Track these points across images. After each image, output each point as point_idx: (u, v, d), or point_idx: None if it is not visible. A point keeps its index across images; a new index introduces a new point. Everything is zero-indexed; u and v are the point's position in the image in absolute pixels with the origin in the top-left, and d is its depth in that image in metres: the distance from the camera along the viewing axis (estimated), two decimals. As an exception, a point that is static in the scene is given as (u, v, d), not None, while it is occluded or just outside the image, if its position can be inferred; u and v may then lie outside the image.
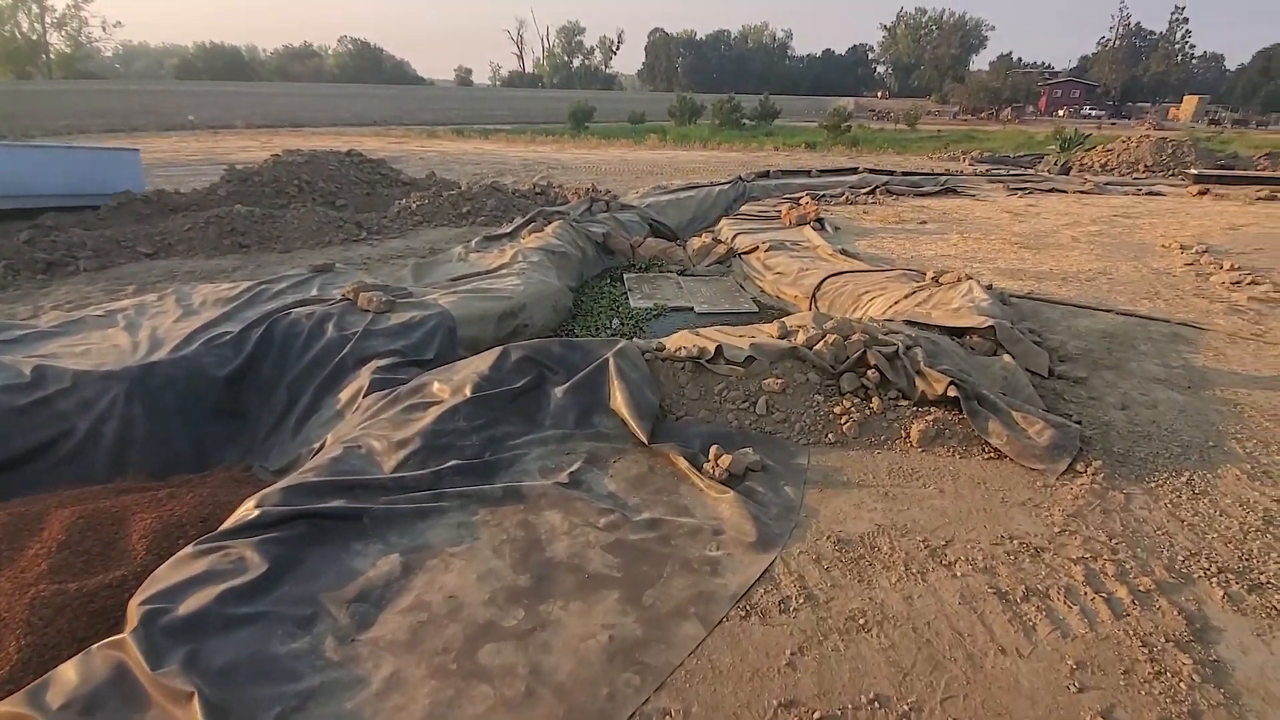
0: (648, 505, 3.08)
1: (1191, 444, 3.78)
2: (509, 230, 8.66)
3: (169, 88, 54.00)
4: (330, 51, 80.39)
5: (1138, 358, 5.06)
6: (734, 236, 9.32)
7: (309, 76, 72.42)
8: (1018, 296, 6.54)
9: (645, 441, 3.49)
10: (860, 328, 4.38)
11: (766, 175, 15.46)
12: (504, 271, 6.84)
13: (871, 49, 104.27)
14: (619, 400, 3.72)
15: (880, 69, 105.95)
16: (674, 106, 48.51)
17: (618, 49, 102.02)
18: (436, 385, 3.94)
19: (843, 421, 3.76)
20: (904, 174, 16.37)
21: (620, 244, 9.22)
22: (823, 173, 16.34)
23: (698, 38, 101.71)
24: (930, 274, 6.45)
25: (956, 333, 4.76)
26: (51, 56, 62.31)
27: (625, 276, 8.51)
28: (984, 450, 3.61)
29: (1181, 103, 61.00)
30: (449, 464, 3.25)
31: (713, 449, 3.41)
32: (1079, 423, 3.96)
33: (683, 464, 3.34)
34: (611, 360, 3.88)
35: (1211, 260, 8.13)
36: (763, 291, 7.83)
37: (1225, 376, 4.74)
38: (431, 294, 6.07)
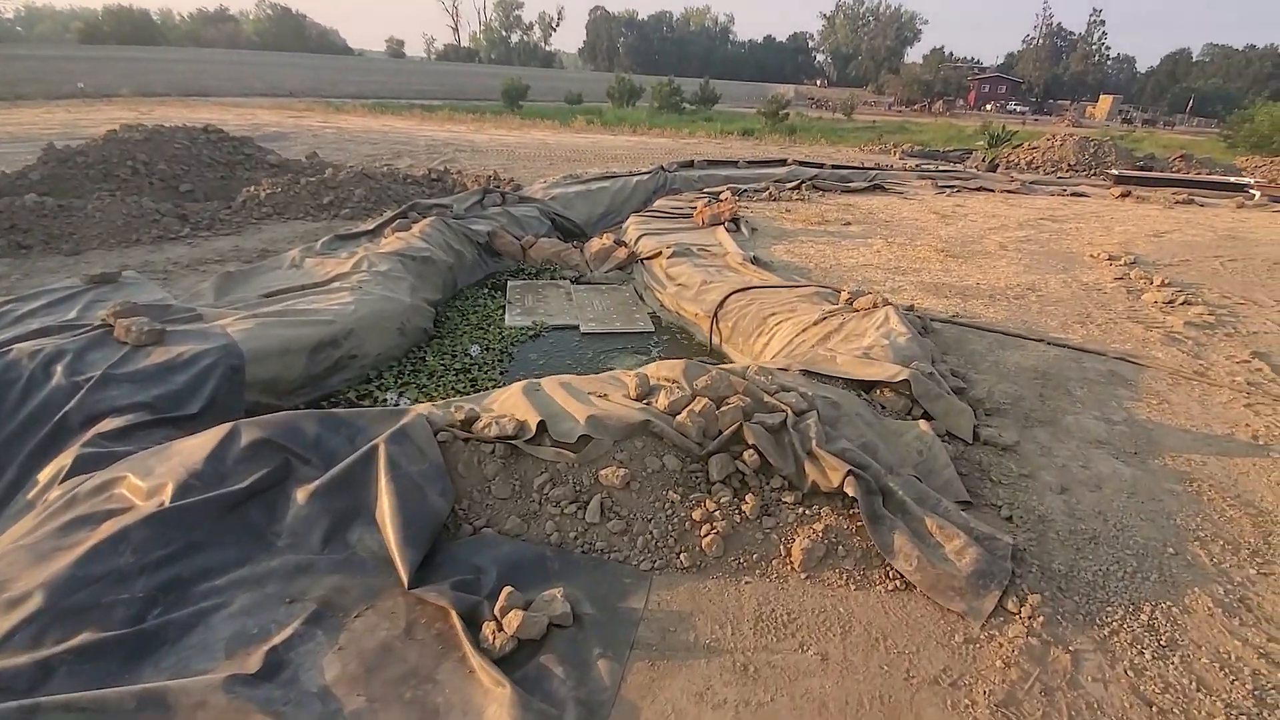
0: (377, 715, 1.97)
1: (1148, 550, 2.91)
2: (370, 228, 7.32)
3: (66, 53, 48.92)
4: (250, 17, 74.84)
5: (1074, 407, 4.23)
6: (638, 238, 8.22)
7: (224, 43, 67.01)
8: (941, 320, 5.68)
9: (405, 583, 2.37)
10: (743, 385, 3.36)
11: (691, 165, 14.41)
12: (337, 285, 5.55)
13: (812, 37, 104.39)
14: (384, 510, 2.58)
15: (820, 57, 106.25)
16: (613, 88, 47.05)
17: (557, 26, 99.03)
18: (130, 482, 2.71)
19: (703, 532, 2.73)
20: (834, 167, 15.60)
21: (508, 245, 8.00)
22: (751, 164, 15.40)
23: (640, 18, 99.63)
24: (845, 294, 5.51)
25: (866, 385, 3.80)
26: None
27: (509, 285, 7.31)
28: (888, 575, 2.64)
29: (1098, 101, 62.99)
30: (76, 642, 2.05)
31: (503, 595, 2.32)
32: (1009, 518, 3.04)
33: (456, 623, 2.24)
34: (383, 448, 2.72)
35: (1141, 274, 7.51)
36: (663, 305, 6.78)
37: (1174, 436, 3.95)
38: (228, 317, 4.76)
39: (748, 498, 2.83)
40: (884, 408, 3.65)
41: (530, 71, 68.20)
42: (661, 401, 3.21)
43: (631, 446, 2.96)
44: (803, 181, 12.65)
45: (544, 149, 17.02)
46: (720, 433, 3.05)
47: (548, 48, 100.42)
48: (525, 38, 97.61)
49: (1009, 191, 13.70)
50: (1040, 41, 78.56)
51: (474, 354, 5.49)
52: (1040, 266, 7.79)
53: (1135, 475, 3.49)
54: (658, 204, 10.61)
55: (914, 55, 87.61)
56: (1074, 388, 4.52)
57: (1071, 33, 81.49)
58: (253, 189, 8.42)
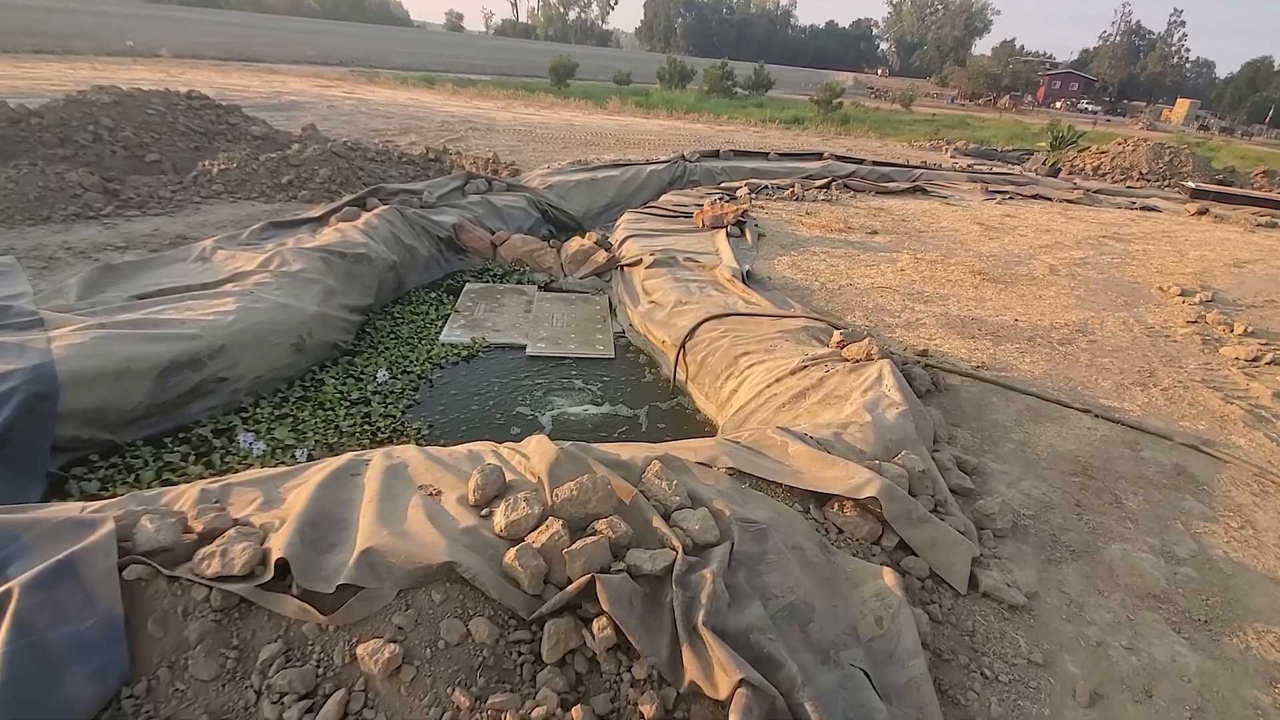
0: None
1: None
2: (316, 215, 6.42)
3: (127, 9, 49.69)
4: (312, -16, 75.22)
5: (1123, 528, 3.04)
6: (623, 240, 7.14)
7: (285, 9, 67.54)
8: (960, 373, 4.49)
9: None
10: (630, 495, 2.31)
11: (716, 155, 13.17)
12: (231, 287, 4.65)
13: (876, 24, 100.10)
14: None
15: (883, 46, 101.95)
16: (663, 69, 45.57)
17: (615, 4, 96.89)
18: None
19: (498, 768, 1.71)
20: (875, 164, 14.16)
21: (476, 240, 7.02)
22: (783, 156, 14.06)
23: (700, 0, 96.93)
24: (838, 336, 4.35)
25: (822, 495, 2.70)
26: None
27: (465, 289, 6.34)
28: None
29: (1174, 105, 58.46)
30: None
31: None
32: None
33: None
34: (16, 596, 1.77)
35: (1220, 318, 6.11)
36: (631, 325, 5.72)
37: (1261, 588, 2.75)
38: (71, 324, 3.90)
39: (578, 710, 1.79)
40: (842, 531, 2.55)
41: (584, 50, 66.86)
42: (499, 520, 2.19)
43: (424, 600, 1.95)
44: (833, 180, 11.32)
45: (567, 130, 15.95)
46: (567, 582, 2.02)
47: (605, 26, 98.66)
48: (583, 15, 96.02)
49: (1069, 201, 12.09)
50: (1117, 39, 73.46)
51: (380, 379, 4.54)
52: (1096, 300, 6.45)
53: (1203, 668, 2.33)
54: (664, 199, 9.48)
55: (982, 47, 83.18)
56: (1126, 492, 3.32)
57: (1150, 32, 76.00)
58: (206, 163, 7.61)
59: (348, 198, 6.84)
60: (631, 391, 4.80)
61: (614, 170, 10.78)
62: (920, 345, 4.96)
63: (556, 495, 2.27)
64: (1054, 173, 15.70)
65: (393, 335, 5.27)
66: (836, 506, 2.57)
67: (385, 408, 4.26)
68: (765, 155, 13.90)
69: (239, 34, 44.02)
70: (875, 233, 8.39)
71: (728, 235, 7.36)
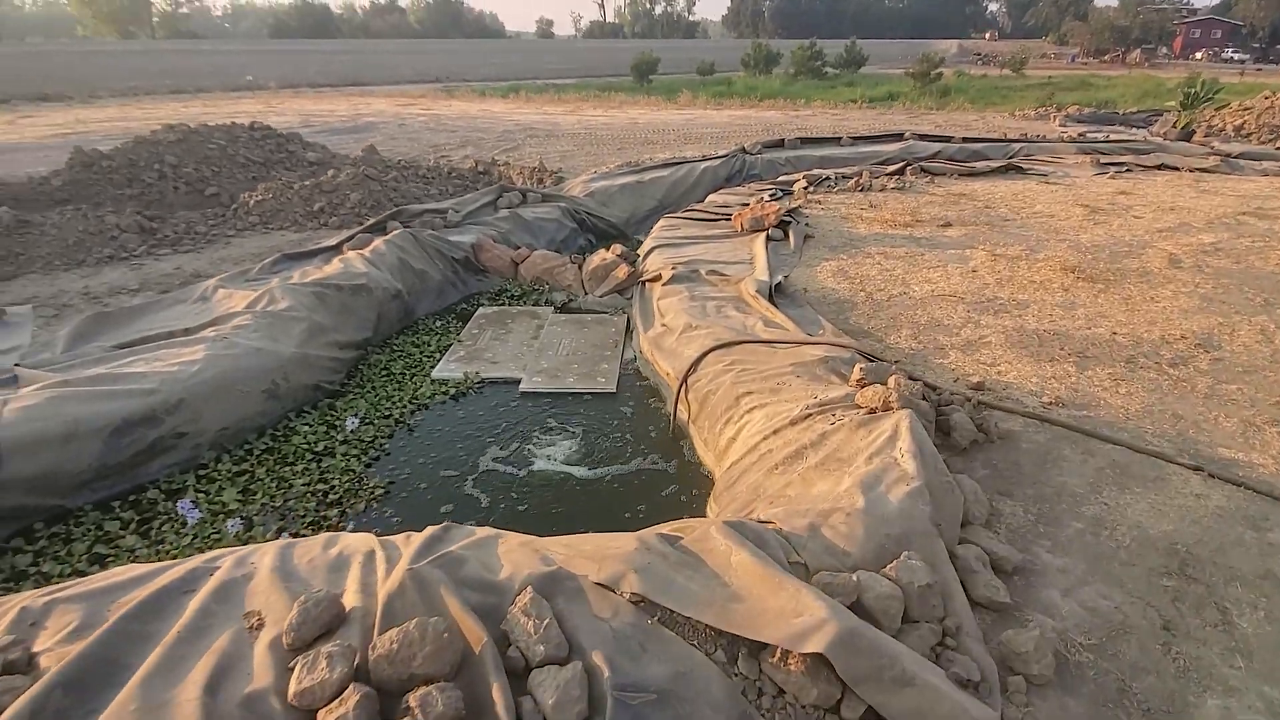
0: None
1: None
2: (332, 244, 6.22)
3: (248, 47, 54.02)
4: (413, 7, 78.78)
5: (1230, 668, 2.11)
6: (649, 251, 6.50)
7: (390, 33, 71.17)
8: (1024, 414, 3.53)
9: None
10: (459, 649, 1.72)
11: (780, 145, 12.19)
12: (209, 331, 4.44)
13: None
14: None
15: (993, 7, 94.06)
16: (747, 55, 44.11)
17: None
18: None
19: None
20: (965, 140, 12.64)
21: (495, 259, 6.60)
22: (857, 140, 12.84)
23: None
24: (857, 372, 3.52)
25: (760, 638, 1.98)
26: (155, 18, 63.97)
27: (477, 313, 5.94)
28: None
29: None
30: None
31: None
32: None
33: None
34: None
35: None
36: (641, 352, 5.08)
37: None
38: (40, 381, 3.78)
39: None
40: (783, 692, 1.83)
41: (669, 44, 66.02)
42: (292, 683, 1.66)
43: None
44: (908, 163, 10.06)
45: (629, 130, 15.39)
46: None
47: (691, 17, 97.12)
48: (669, 8, 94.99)
49: (1202, 170, 10.16)
50: (1276, -29, 63.45)
51: (350, 427, 4.17)
52: (1228, 300, 5.12)
53: None
54: (710, 199, 8.71)
55: (1107, -2, 74.58)
56: (1241, 604, 2.35)
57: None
58: (246, 195, 7.67)
59: (368, 223, 6.63)
60: (628, 434, 4.18)
61: (663, 171, 10.12)
62: (976, 374, 4.01)
63: (374, 647, 1.71)
64: (1186, 136, 13.41)
65: (385, 372, 4.92)
66: (778, 655, 1.85)
67: (348, 461, 3.88)
68: (837, 140, 12.73)
69: (348, 61, 46.67)
70: (948, 225, 7.24)
71: (769, 239, 6.54)
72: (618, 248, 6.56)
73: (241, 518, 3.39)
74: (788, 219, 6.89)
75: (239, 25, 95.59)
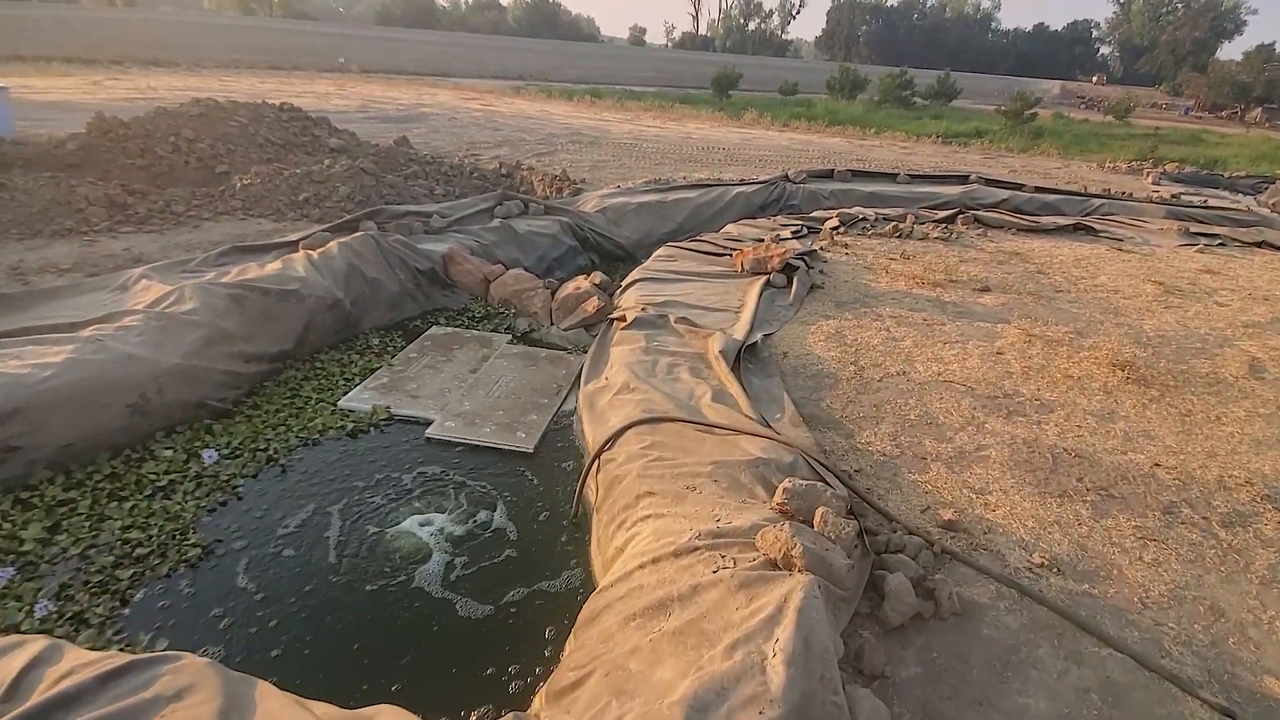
0: None
1: None
2: (293, 239, 5.73)
3: (350, 31, 55.92)
4: (511, 5, 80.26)
5: None
6: (630, 285, 5.73)
7: (486, 28, 72.62)
8: (1000, 579, 2.60)
9: None
10: None
11: (828, 176, 11.21)
12: (89, 330, 3.95)
13: (1096, 26, 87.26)
14: None
15: (1104, 50, 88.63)
16: (833, 79, 42.78)
17: (798, 12, 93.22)
18: None
19: None
20: (1038, 190, 11.36)
21: (466, 274, 5.98)
22: (916, 179, 11.72)
23: (888, 4, 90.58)
24: (779, 497, 2.68)
25: None
26: (274, -3, 67.58)
27: (427, 332, 5.32)
28: None
29: None
30: None
31: None
32: None
33: None
34: None
35: None
36: (576, 407, 4.34)
37: None
38: None
39: None
40: None
41: (756, 60, 64.88)
42: None
43: None
44: (960, 210, 8.94)
45: (680, 144, 14.64)
46: None
47: (784, 36, 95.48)
48: (763, 25, 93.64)
49: (1315, 253, 8.63)
50: None
51: (208, 461, 3.58)
52: (1321, 433, 3.98)
53: None
54: (728, 229, 7.88)
55: (1230, 51, 69.17)
56: None
57: None
58: (238, 178, 7.31)
59: (337, 221, 6.13)
60: (524, 516, 3.44)
61: (690, 192, 9.36)
62: (954, 505, 3.09)
63: None
64: (1302, 209, 11.65)
65: (290, 393, 4.34)
66: None
67: (184, 504, 3.29)
68: (893, 177, 11.64)
69: (438, 52, 47.65)
70: (986, 290, 6.19)
71: (769, 284, 5.69)
72: (596, 276, 5.83)
73: (23, 563, 2.84)
74: (797, 262, 6.00)
75: (352, 10, 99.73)
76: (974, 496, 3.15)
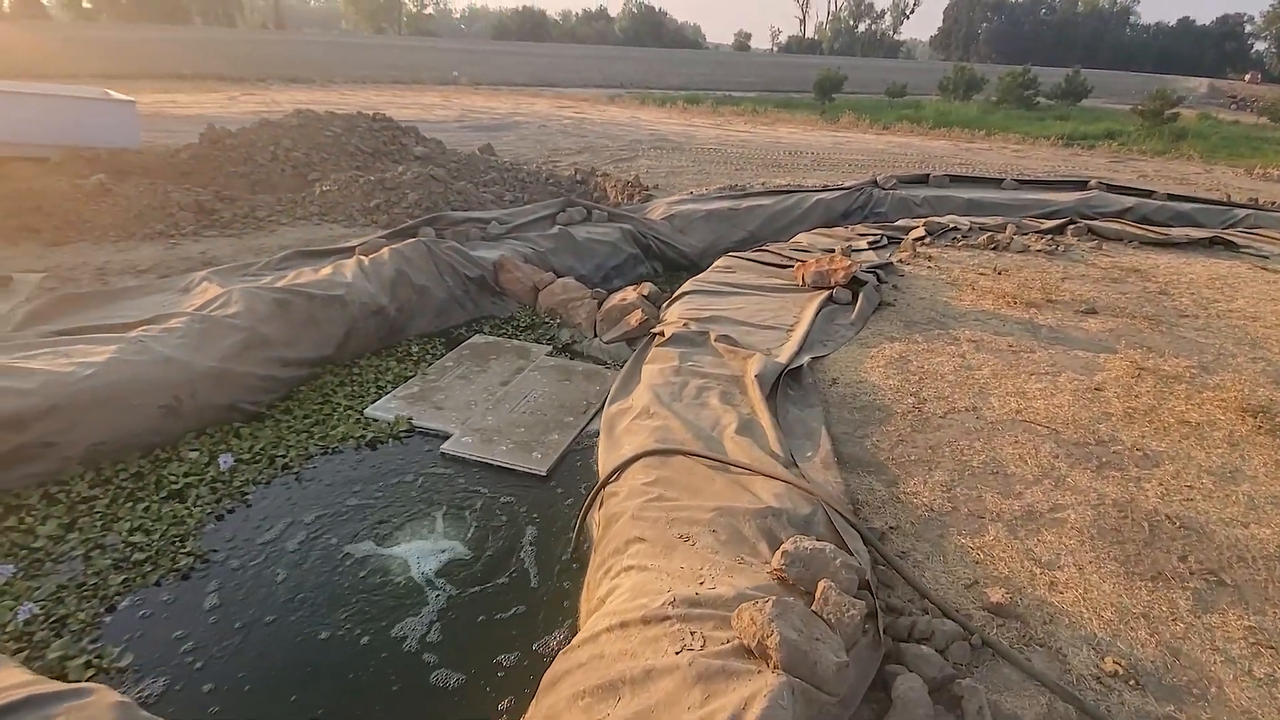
0: None
1: None
2: (353, 244, 5.80)
3: (468, 46, 58.56)
4: (619, 16, 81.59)
5: None
6: (681, 296, 5.36)
7: (594, 39, 74.11)
8: (1052, 686, 2.06)
9: None
10: None
11: (923, 181, 10.32)
12: (139, 331, 4.07)
13: (1250, 20, 77.30)
14: None
15: (1259, 46, 78.36)
16: (947, 79, 40.39)
17: (911, 12, 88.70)
18: None
19: None
20: (1171, 198, 9.99)
21: (515, 282, 5.84)
22: (1025, 184, 10.59)
23: (1013, 0, 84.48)
24: (777, 564, 2.25)
25: None
26: (404, 17, 72.14)
27: (469, 341, 5.22)
28: None
29: None
30: None
31: None
32: None
33: None
34: None
35: None
36: (601, 429, 4.04)
37: None
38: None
39: None
40: None
41: (864, 62, 62.25)
42: None
43: None
44: (1071, 220, 7.89)
45: (768, 149, 14.06)
46: None
47: (896, 36, 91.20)
48: (874, 26, 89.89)
49: None
50: None
51: (224, 466, 3.57)
52: None
53: None
54: (799, 238, 7.33)
55: None
56: None
57: None
58: (321, 184, 7.58)
59: (399, 227, 6.17)
60: (522, 545, 3.19)
61: (766, 199, 8.85)
62: (1010, 579, 2.52)
63: None
64: None
65: (322, 399, 4.32)
66: None
67: (191, 509, 3.27)
68: (998, 182, 10.56)
69: (546, 64, 49.03)
70: (1091, 312, 5.33)
71: (831, 300, 5.15)
72: (645, 287, 5.51)
73: (31, 560, 2.88)
74: (866, 276, 5.42)
75: (473, 26, 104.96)
76: (1037, 572, 2.57)
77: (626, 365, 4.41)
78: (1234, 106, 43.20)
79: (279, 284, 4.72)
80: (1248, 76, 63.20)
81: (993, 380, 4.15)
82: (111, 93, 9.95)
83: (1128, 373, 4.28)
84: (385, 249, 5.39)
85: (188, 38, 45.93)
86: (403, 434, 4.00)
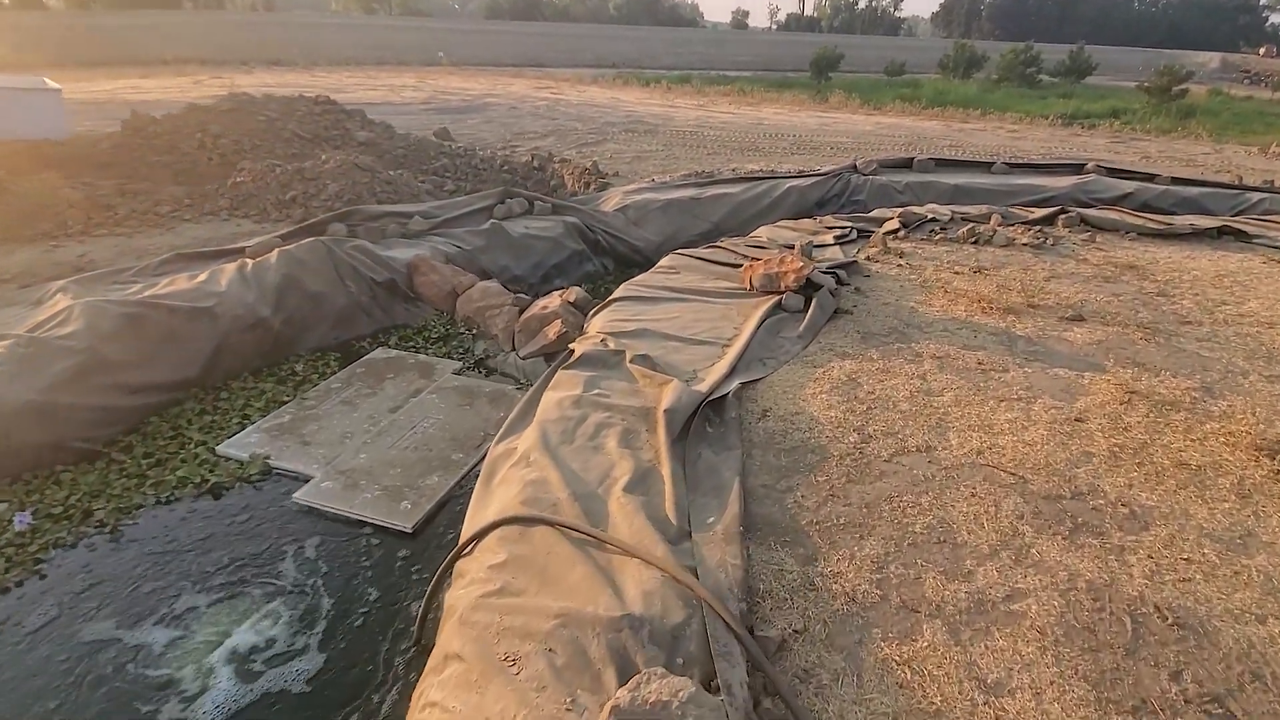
0: None
1: None
2: (249, 244, 5.13)
3: (457, 26, 57.11)
4: (613, -7, 79.51)
5: None
6: (609, 304, 4.69)
7: (587, 18, 72.32)
8: None
9: None
10: None
11: (906, 166, 9.58)
12: (-60, 357, 3.44)
13: (1269, -11, 75.07)
14: None
15: (1275, 18, 76.22)
16: (947, 57, 39.38)
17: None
18: None
19: None
20: (1175, 181, 9.27)
21: (431, 286, 5.18)
22: (1016, 168, 9.84)
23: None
24: (604, 715, 1.62)
25: None
26: (393, -4, 70.79)
27: (366, 358, 4.57)
28: None
29: None
30: None
31: None
32: None
33: None
34: None
35: None
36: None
37: None
38: None
39: None
40: None
41: (863, 40, 60.67)
42: None
43: None
44: (1062, 209, 7.16)
45: (749, 131, 13.27)
46: None
47: (897, 14, 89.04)
48: (875, 3, 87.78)
49: None
50: None
51: (19, 526, 2.95)
52: None
53: None
54: (759, 232, 6.62)
55: None
56: None
57: None
58: (237, 176, 6.89)
59: (303, 224, 5.49)
60: (370, 628, 2.58)
61: (732, 186, 8.15)
62: (939, 708, 1.88)
63: None
64: None
65: (175, 432, 3.69)
66: None
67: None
68: (987, 166, 9.80)
69: (537, 43, 47.77)
70: (1078, 318, 4.65)
71: (780, 308, 4.48)
72: (573, 292, 4.85)
73: None
74: (824, 278, 4.73)
75: (466, 6, 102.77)
76: (980, 700, 1.93)
77: (531, 390, 3.76)
78: (1247, 82, 41.96)
79: (130, 296, 4.06)
80: (1262, 50, 61.40)
81: (954, 409, 3.49)
82: (47, 81, 9.28)
83: (1115, 398, 3.62)
84: (273, 251, 4.72)
85: (170, 23, 44.74)
86: (254, 477, 3.38)
